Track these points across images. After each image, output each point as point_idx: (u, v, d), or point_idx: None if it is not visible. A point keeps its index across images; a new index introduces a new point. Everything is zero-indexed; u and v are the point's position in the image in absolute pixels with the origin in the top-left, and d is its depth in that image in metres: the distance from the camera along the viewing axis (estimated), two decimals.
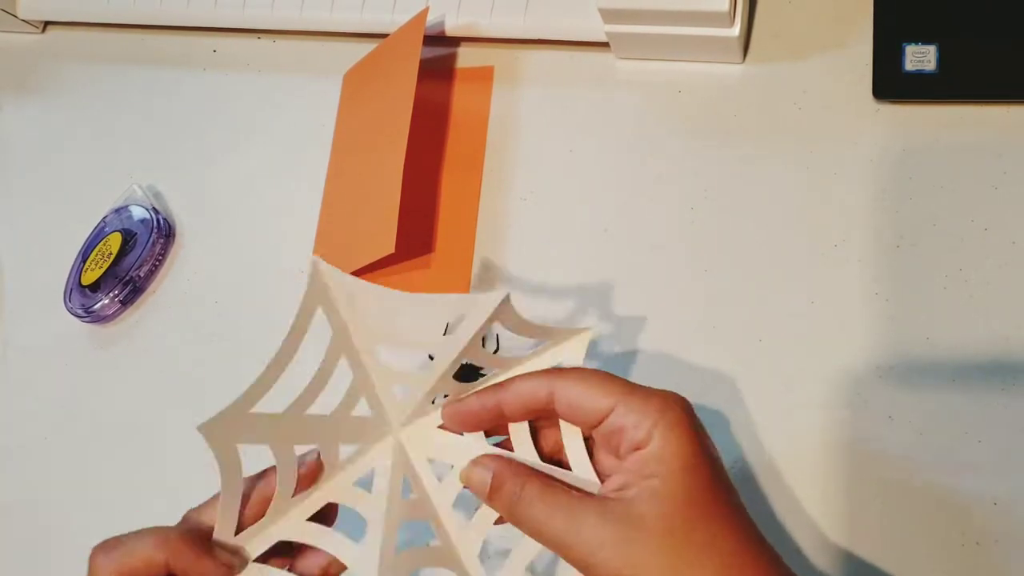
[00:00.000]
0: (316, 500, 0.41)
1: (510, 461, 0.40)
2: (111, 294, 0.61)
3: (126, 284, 0.61)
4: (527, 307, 0.56)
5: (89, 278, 0.62)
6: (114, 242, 0.62)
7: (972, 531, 0.46)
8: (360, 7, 0.62)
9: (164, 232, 0.62)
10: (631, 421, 0.37)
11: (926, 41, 0.52)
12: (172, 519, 0.58)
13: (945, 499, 0.47)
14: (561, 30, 0.58)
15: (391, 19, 0.61)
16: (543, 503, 0.38)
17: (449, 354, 0.40)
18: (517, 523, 0.38)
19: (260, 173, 0.64)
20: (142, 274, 0.61)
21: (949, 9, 0.52)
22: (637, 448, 0.37)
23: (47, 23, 0.72)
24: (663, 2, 0.53)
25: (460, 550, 0.41)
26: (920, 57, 0.52)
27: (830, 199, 0.52)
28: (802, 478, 0.49)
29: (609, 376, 0.39)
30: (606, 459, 0.40)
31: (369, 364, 0.42)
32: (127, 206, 0.64)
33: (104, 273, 0.62)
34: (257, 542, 0.40)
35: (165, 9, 0.66)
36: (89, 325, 0.63)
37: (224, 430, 0.38)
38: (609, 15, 0.54)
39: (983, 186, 0.51)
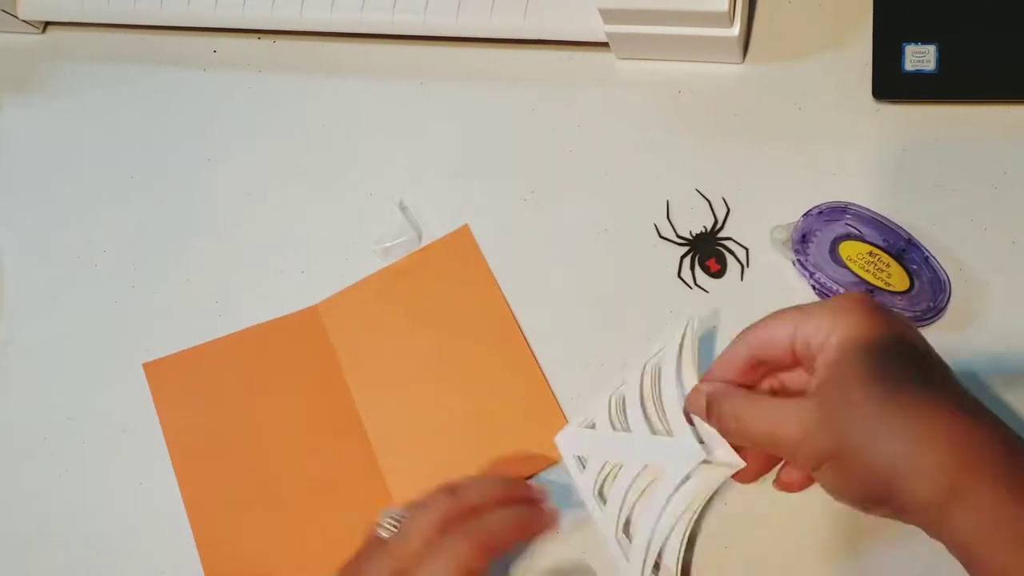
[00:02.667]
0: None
1: (720, 384, 0.45)
2: None
3: None
4: (527, 307, 0.56)
5: None
6: None
7: None
8: (360, 7, 0.62)
9: None
10: (810, 330, 0.40)
11: (926, 41, 0.52)
12: (173, 518, 0.58)
13: None
14: (561, 30, 0.58)
15: (391, 19, 0.61)
16: (750, 409, 0.42)
17: None
18: (730, 432, 0.44)
19: (260, 173, 0.64)
20: None
21: (949, 9, 0.52)
22: (821, 349, 0.40)
23: (47, 23, 0.72)
24: (663, 2, 0.53)
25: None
26: (920, 57, 0.52)
27: (829, 199, 0.52)
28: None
29: (784, 309, 0.42)
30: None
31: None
32: None
33: None
34: None
35: (165, 9, 0.66)
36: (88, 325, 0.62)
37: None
38: (609, 15, 0.54)
39: (983, 186, 0.51)
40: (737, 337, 0.44)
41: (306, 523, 0.54)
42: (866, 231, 0.50)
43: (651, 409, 0.49)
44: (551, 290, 0.56)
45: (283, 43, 0.66)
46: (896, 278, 0.49)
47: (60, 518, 0.60)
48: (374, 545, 0.47)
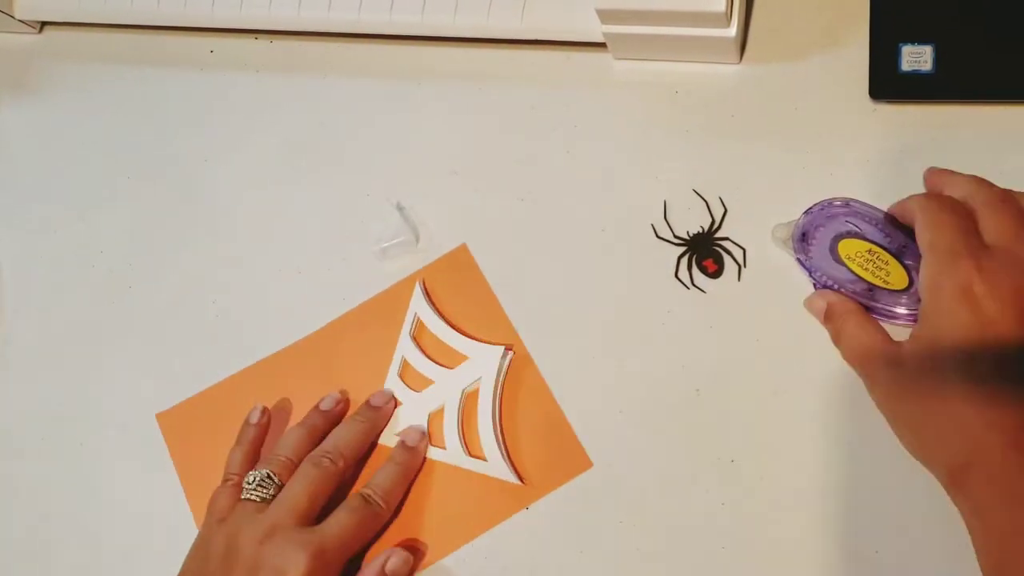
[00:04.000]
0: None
1: (840, 296, 0.49)
2: None
3: None
4: (528, 306, 0.56)
5: None
6: None
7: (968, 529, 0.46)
8: (358, 7, 0.61)
9: None
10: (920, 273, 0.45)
11: (922, 41, 0.52)
12: (173, 518, 0.58)
13: (941, 498, 0.47)
14: (558, 31, 0.58)
15: (388, 19, 0.61)
16: (860, 326, 0.47)
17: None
18: (836, 341, 0.48)
19: (257, 173, 0.64)
20: None
21: (945, 9, 0.52)
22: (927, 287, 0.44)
23: (44, 23, 0.72)
24: (660, 3, 0.53)
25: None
26: (916, 57, 0.52)
27: (827, 199, 0.52)
28: (800, 477, 0.49)
29: (922, 212, 0.46)
30: None
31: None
32: None
33: None
34: None
35: (162, 9, 0.66)
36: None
37: None
38: (607, 16, 0.54)
39: None
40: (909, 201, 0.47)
41: None
42: (866, 228, 0.50)
43: (466, 433, 0.54)
44: (550, 289, 0.56)
45: (280, 43, 0.66)
46: (895, 276, 0.49)
47: (58, 518, 0.60)
48: (244, 506, 0.51)
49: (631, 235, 0.55)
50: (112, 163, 0.67)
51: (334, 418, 0.55)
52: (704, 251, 0.53)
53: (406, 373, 0.56)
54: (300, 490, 0.50)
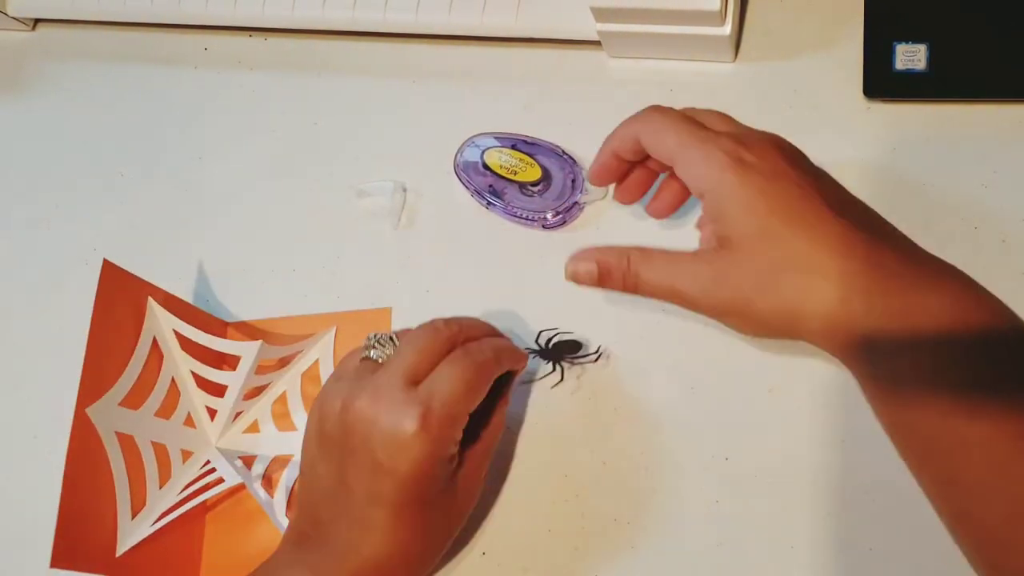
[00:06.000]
0: (173, 489, 0.55)
1: (607, 246, 0.45)
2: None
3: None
4: (528, 307, 0.56)
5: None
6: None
7: None
8: (352, 5, 0.61)
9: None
10: (694, 173, 0.42)
11: (916, 40, 0.52)
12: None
13: None
14: (553, 29, 0.58)
15: (383, 17, 0.61)
16: (648, 265, 0.43)
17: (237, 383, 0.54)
18: (633, 290, 0.44)
19: (251, 171, 0.63)
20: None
21: (939, 8, 0.52)
22: (702, 195, 0.42)
23: (37, 21, 0.72)
24: (655, 1, 0.53)
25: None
26: (910, 56, 0.52)
27: None
28: (792, 475, 0.49)
29: (677, 118, 0.44)
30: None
31: (189, 387, 0.56)
32: None
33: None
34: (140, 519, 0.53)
35: (156, 7, 0.66)
36: None
37: (105, 415, 0.52)
38: (601, 14, 0.54)
39: (973, 185, 0.51)
40: (625, 125, 0.45)
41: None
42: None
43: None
44: (548, 291, 0.56)
45: (275, 41, 0.66)
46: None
47: (54, 518, 0.60)
48: (363, 365, 0.48)
49: (627, 234, 0.55)
50: (106, 161, 0.67)
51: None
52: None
53: (276, 406, 0.57)
54: (411, 350, 0.46)
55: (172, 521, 0.53)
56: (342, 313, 0.58)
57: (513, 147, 0.57)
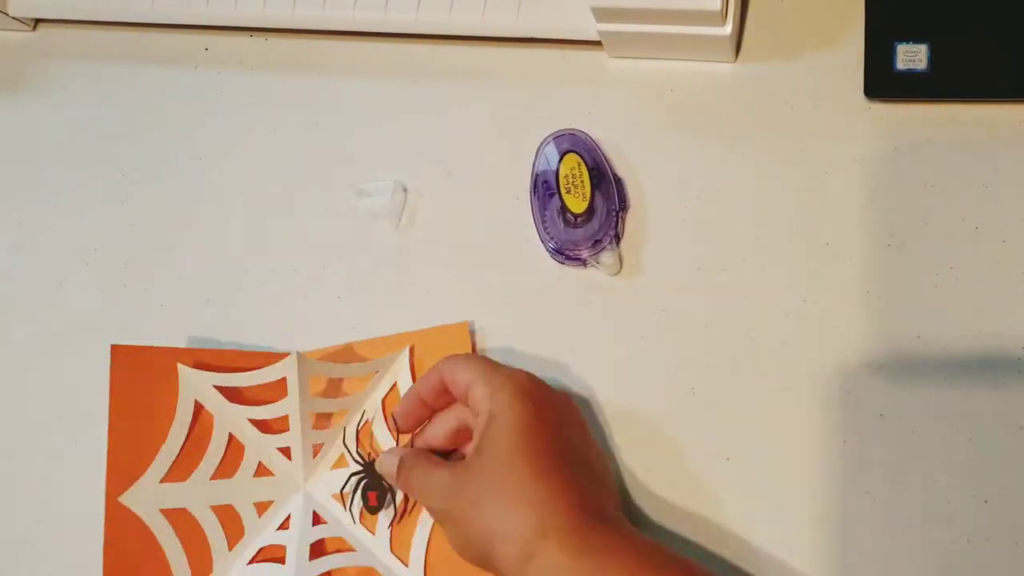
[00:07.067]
0: (248, 547, 0.53)
1: (414, 449, 0.51)
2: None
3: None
4: (527, 306, 0.56)
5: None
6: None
7: (963, 529, 0.46)
8: (352, 5, 0.61)
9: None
10: (481, 392, 0.47)
11: (917, 40, 0.52)
12: None
13: (936, 497, 0.47)
14: (554, 29, 0.58)
15: (383, 17, 0.61)
16: (423, 471, 0.48)
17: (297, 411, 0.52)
18: (410, 492, 0.50)
19: (251, 171, 0.63)
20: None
21: (940, 8, 0.52)
22: (477, 419, 0.47)
23: (38, 21, 0.72)
24: (656, 1, 0.53)
25: (373, 550, 0.52)
26: (911, 56, 0.52)
27: (821, 198, 0.52)
28: (793, 475, 0.49)
29: (476, 358, 0.49)
30: None
31: (251, 435, 0.54)
32: None
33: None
34: None
35: (157, 7, 0.66)
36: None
37: (145, 498, 0.51)
38: (602, 14, 0.54)
39: (974, 185, 0.51)
40: (437, 365, 0.50)
41: None
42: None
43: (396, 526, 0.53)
44: (548, 291, 0.56)
45: (275, 41, 0.66)
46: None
47: (51, 519, 0.60)
48: None
49: (625, 234, 0.55)
50: (106, 161, 0.67)
51: None
52: (374, 480, 0.53)
53: (362, 435, 0.55)
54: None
55: None
56: (416, 332, 0.56)
57: (591, 167, 0.54)
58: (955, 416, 0.48)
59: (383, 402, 0.55)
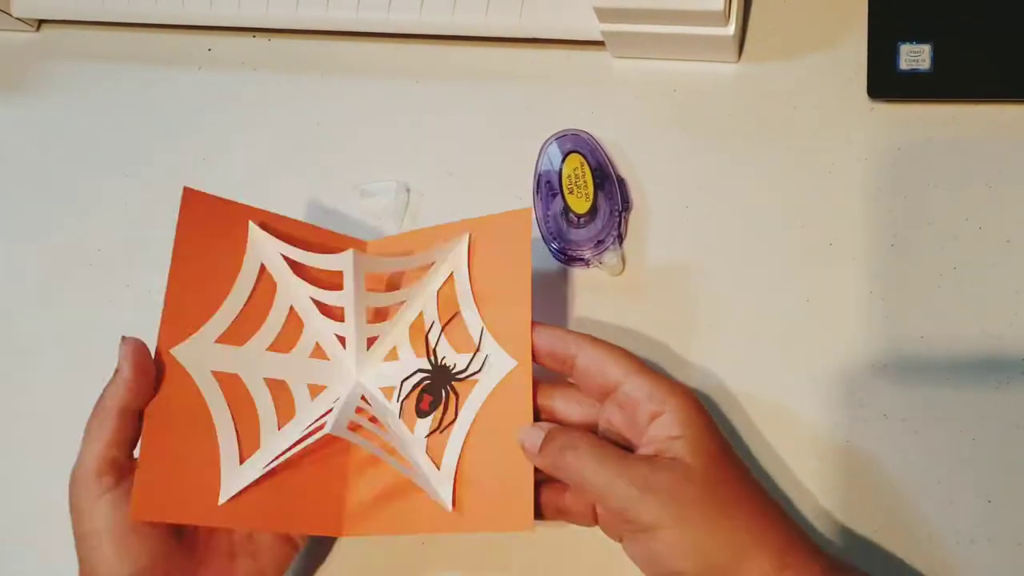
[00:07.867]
0: (297, 429, 0.48)
1: (560, 425, 0.46)
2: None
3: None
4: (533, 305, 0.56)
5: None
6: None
7: (967, 528, 0.46)
8: (356, 6, 0.61)
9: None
10: (644, 393, 0.44)
11: (921, 40, 0.52)
12: None
13: (940, 496, 0.47)
14: (557, 29, 0.58)
15: (386, 17, 0.61)
16: (594, 455, 0.43)
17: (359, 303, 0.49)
18: (563, 471, 0.44)
19: (254, 171, 0.64)
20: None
21: (944, 8, 0.52)
22: (654, 416, 0.43)
23: (41, 22, 0.72)
24: (659, 1, 0.53)
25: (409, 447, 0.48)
26: (915, 56, 0.52)
27: (825, 198, 0.52)
28: (797, 476, 0.49)
29: (626, 353, 0.46)
30: (625, 427, 0.45)
31: (311, 315, 0.50)
32: None
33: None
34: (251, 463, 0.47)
35: (160, 8, 0.66)
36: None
37: (198, 355, 0.46)
38: (605, 14, 0.54)
39: (977, 185, 0.51)
40: (575, 337, 0.46)
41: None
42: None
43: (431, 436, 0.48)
44: (551, 292, 0.56)
45: (278, 41, 0.66)
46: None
47: (53, 518, 0.60)
48: None
49: (628, 233, 0.55)
50: (109, 161, 0.67)
51: None
52: (436, 385, 0.49)
53: (413, 329, 0.50)
54: None
55: (303, 461, 0.46)
56: (475, 220, 0.51)
57: (594, 168, 0.54)
58: (958, 416, 0.47)
59: (438, 294, 0.51)
